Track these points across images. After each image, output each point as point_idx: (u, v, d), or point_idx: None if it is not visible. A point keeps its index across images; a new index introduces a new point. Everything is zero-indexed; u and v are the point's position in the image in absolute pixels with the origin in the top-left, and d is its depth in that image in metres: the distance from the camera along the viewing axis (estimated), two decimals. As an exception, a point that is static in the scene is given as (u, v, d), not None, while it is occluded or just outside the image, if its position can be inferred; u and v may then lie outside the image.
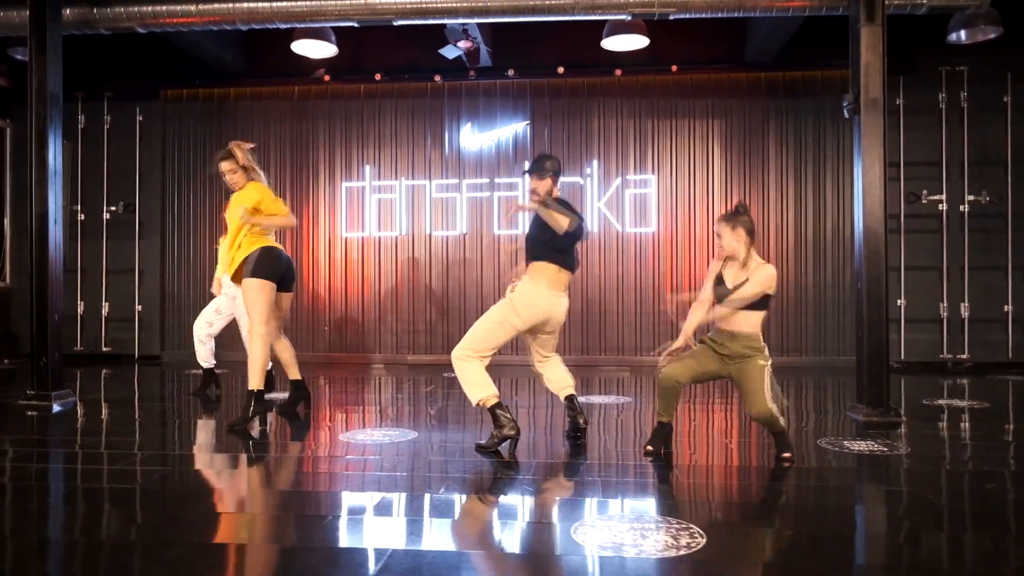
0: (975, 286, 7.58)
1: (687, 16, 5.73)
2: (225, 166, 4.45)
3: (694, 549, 2.29)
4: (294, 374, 4.88)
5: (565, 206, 3.89)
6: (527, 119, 8.14)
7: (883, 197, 4.76)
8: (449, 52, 6.95)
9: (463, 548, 2.49)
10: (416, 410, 5.22)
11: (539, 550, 2.43)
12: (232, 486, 3.32)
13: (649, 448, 3.72)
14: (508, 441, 3.75)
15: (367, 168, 8.31)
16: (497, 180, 8.15)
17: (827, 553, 2.38)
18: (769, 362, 3.56)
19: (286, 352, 4.84)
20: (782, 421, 3.56)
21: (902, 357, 7.54)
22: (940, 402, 5.41)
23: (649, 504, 2.93)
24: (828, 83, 7.86)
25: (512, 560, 2.35)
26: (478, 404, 3.78)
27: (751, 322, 3.55)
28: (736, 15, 5.67)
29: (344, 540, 2.51)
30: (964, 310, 7.58)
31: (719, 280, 3.63)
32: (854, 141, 4.91)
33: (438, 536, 2.58)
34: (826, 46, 7.61)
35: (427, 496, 3.03)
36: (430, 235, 8.25)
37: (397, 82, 8.22)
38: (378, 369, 7.76)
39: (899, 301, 7.63)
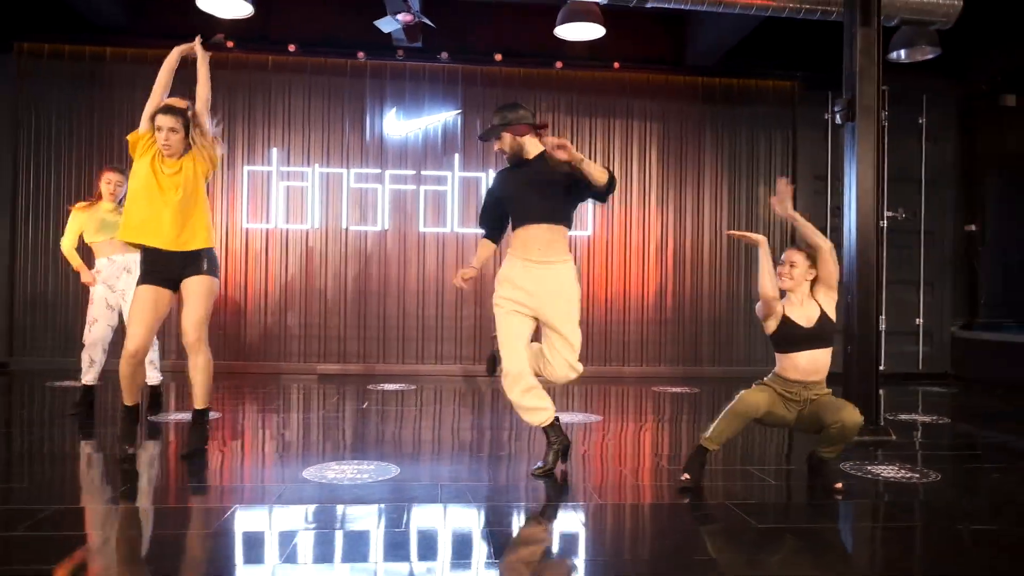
0: (891, 300, 7.82)
1: (664, 6, 5.36)
2: (170, 121, 3.51)
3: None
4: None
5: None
6: (458, 108, 7.48)
7: (876, 207, 4.60)
8: (386, 24, 6.17)
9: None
10: (370, 434, 4.45)
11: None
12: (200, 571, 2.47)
13: (687, 476, 3.23)
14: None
15: (274, 151, 7.30)
16: (424, 172, 7.42)
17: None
18: None
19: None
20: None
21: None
22: (903, 416, 5.37)
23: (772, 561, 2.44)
24: (762, 93, 7.83)
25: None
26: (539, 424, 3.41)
27: (824, 365, 3.24)
28: (717, 9, 5.37)
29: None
30: (881, 323, 7.80)
31: (787, 322, 3.23)
32: (846, 149, 4.71)
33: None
34: (763, 57, 7.60)
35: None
36: (346, 230, 7.37)
37: (312, 56, 7.28)
38: (284, 380, 6.79)
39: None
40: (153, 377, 4.64)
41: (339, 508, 2.85)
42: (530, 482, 3.31)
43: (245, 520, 2.75)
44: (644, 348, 7.65)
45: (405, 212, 7.42)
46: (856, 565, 2.51)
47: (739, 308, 7.75)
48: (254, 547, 2.49)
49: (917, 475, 3.55)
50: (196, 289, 3.57)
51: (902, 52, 6.67)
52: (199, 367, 3.56)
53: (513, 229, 3.47)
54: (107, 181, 4.71)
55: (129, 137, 3.64)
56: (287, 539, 2.52)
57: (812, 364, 3.20)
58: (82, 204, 4.76)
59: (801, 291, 3.29)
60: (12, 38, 6.98)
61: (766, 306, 3.23)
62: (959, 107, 8.02)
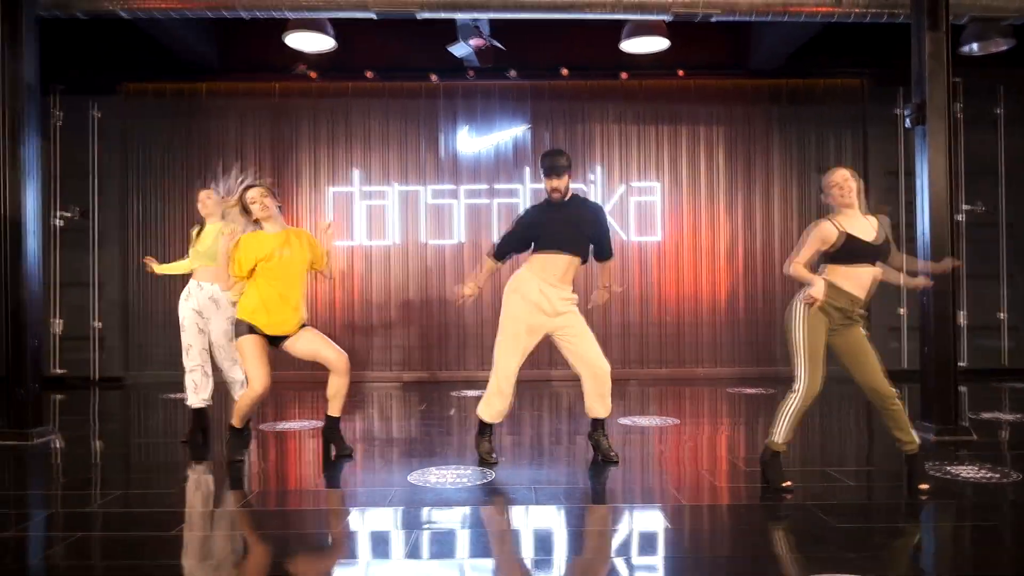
0: (971, 294, 7.69)
1: (730, 19, 5.50)
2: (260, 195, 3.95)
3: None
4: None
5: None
6: (527, 122, 7.77)
7: (950, 207, 4.63)
8: (459, 50, 6.50)
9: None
10: (460, 439, 4.77)
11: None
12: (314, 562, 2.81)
13: (788, 483, 3.38)
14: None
15: (355, 172, 7.74)
16: (497, 186, 7.74)
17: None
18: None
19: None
20: (915, 435, 3.36)
21: (904, 365, 7.55)
22: (986, 415, 5.35)
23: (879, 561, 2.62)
24: (831, 92, 7.83)
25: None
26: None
27: (873, 283, 3.36)
28: (781, 19, 5.48)
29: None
30: (961, 317, 7.67)
31: (851, 239, 3.27)
32: (917, 151, 4.76)
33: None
34: (829, 56, 7.59)
35: (618, 568, 2.62)
36: (425, 244, 7.76)
37: (389, 81, 7.69)
38: (372, 388, 7.21)
39: (900, 310, 7.65)
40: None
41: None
42: (624, 484, 3.55)
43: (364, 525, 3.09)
44: (717, 350, 7.76)
45: (480, 225, 7.75)
46: (928, 563, 2.66)
47: (812, 307, 7.75)
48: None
49: (998, 475, 3.62)
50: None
51: (974, 45, 6.61)
52: (345, 386, 4.11)
53: (536, 252, 4.02)
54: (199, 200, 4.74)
55: None
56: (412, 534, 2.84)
57: (869, 278, 3.31)
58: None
59: (857, 208, 3.35)
60: (119, 80, 7.63)
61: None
62: (1039, 95, 7.82)
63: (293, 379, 7.45)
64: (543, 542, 2.80)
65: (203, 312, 4.60)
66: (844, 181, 3.36)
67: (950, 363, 4.60)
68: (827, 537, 2.79)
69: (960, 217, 7.70)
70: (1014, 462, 3.91)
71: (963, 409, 4.83)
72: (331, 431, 4.19)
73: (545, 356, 7.67)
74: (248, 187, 3.97)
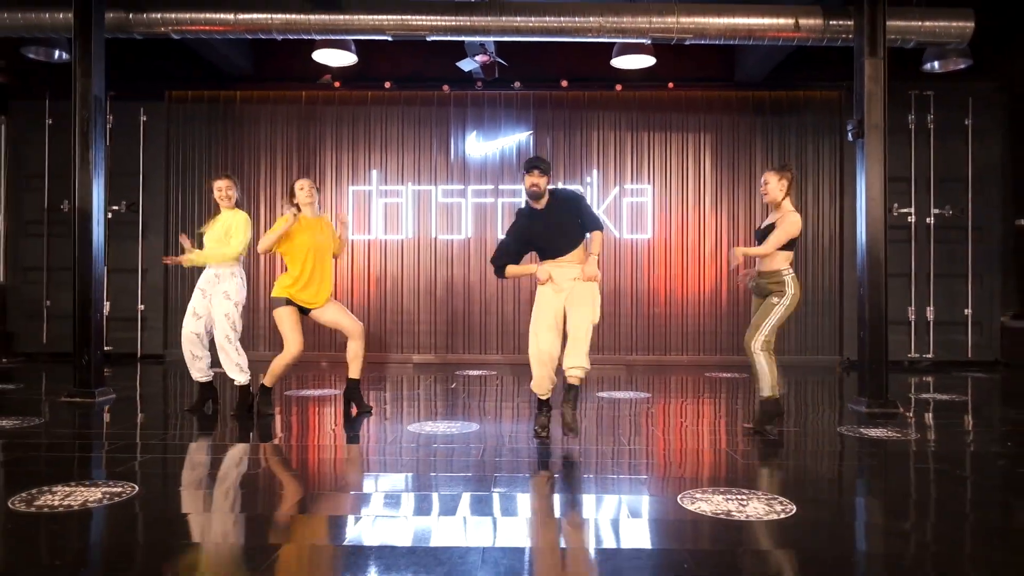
0: (939, 291, 8.30)
1: (701, 42, 6.20)
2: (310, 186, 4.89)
3: (792, 514, 2.72)
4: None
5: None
6: (530, 129, 8.52)
7: (884, 212, 5.30)
8: (466, 65, 7.27)
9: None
10: (455, 404, 5.54)
11: (660, 517, 2.82)
12: (351, 482, 3.59)
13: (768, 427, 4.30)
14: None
15: (374, 172, 8.55)
16: (501, 187, 8.50)
17: (895, 511, 2.84)
18: (783, 306, 4.33)
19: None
20: (774, 389, 4.31)
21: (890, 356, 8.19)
22: (925, 396, 6.02)
23: (730, 480, 3.34)
24: (810, 103, 8.49)
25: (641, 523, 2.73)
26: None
27: (776, 260, 4.35)
28: (747, 43, 6.17)
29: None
30: (930, 313, 8.30)
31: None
32: (857, 161, 5.44)
33: (590, 505, 2.95)
34: (809, 69, 8.25)
35: (554, 479, 3.38)
36: (435, 239, 8.54)
37: (405, 90, 8.49)
38: (387, 368, 8.01)
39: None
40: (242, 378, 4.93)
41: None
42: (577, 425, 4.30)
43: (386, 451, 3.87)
44: (701, 338, 8.46)
45: (485, 221, 8.52)
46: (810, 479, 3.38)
47: (790, 302, 8.42)
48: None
49: (899, 435, 4.31)
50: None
51: (935, 64, 7.23)
52: (361, 349, 4.88)
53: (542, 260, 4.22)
54: (216, 188, 5.22)
55: None
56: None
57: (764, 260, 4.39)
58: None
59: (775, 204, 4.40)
60: (165, 88, 8.51)
61: None
62: (1006, 108, 8.39)
63: (320, 358, 8.29)
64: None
65: (206, 289, 4.87)
66: (763, 184, 4.34)
67: (881, 346, 5.28)
68: (724, 465, 3.53)
69: (930, 220, 8.33)
70: (920, 427, 4.59)
71: (891, 386, 5.41)
72: (352, 391, 4.96)
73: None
74: (301, 177, 4.95)
